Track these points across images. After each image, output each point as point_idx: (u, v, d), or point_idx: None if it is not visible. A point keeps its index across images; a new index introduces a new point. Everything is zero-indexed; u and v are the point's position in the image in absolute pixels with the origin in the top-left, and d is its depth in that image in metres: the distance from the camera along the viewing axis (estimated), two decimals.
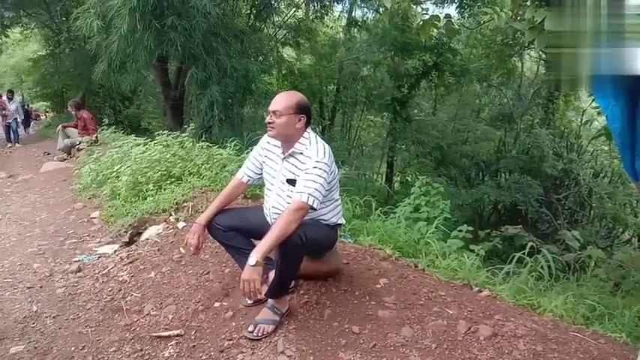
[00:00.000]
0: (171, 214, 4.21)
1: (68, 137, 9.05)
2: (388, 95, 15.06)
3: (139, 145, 5.94)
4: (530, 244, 3.75)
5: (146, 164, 5.08)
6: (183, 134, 5.77)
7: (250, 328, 2.36)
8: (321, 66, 16.23)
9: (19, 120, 14.57)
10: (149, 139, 5.95)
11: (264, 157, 2.64)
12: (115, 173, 5.51)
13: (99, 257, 3.88)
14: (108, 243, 4.19)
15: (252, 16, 12.54)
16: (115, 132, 11.09)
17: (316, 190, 2.28)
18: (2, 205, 6.09)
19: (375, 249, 3.57)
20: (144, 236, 4.06)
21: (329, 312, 2.49)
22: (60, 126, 9.43)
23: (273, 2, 12.76)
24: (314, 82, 16.28)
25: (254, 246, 2.39)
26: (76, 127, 9.15)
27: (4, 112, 14.05)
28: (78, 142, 8.50)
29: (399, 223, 4.59)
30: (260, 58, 12.18)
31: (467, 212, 12.23)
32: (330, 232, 2.58)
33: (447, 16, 4.43)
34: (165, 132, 5.97)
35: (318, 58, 16.47)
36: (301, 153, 2.42)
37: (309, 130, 2.49)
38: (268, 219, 2.59)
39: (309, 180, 2.29)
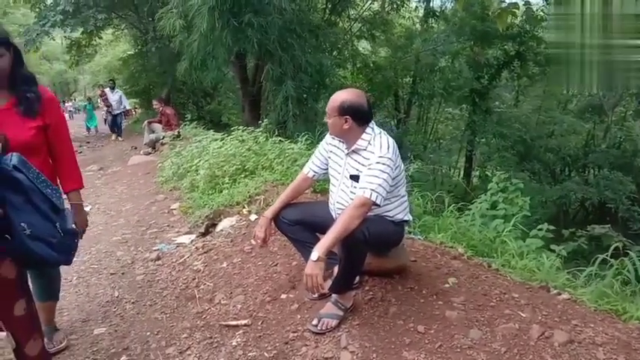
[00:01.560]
0: (244, 207, 4.34)
1: (153, 132, 9.58)
2: (467, 87, 14.58)
3: (216, 140, 6.17)
4: (616, 244, 3.48)
5: (222, 158, 5.27)
6: (257, 130, 5.91)
7: (314, 322, 2.38)
8: (397, 58, 15.96)
9: (127, 108, 14.56)
10: (226, 134, 6.17)
11: (329, 152, 2.64)
12: (194, 167, 5.76)
13: (177, 246, 4.08)
14: (185, 233, 4.39)
15: (327, 10, 12.58)
16: (196, 127, 11.54)
17: (379, 185, 2.25)
18: (92, 195, 6.56)
19: (446, 247, 3.47)
20: (218, 227, 4.22)
21: (394, 310, 2.46)
22: (145, 122, 10.00)
23: None
24: (389, 74, 16.06)
25: (319, 240, 2.41)
26: (160, 122, 9.67)
27: (106, 102, 14.05)
28: (162, 137, 8.96)
29: (473, 220, 4.44)
30: (335, 52, 12.21)
31: (551, 210, 11.63)
32: (395, 229, 2.54)
33: (527, 3, 4.20)
34: (241, 127, 6.13)
35: (394, 50, 16.21)
36: (364, 149, 2.40)
37: (372, 125, 2.45)
38: (333, 214, 2.59)
39: (372, 175, 2.27)
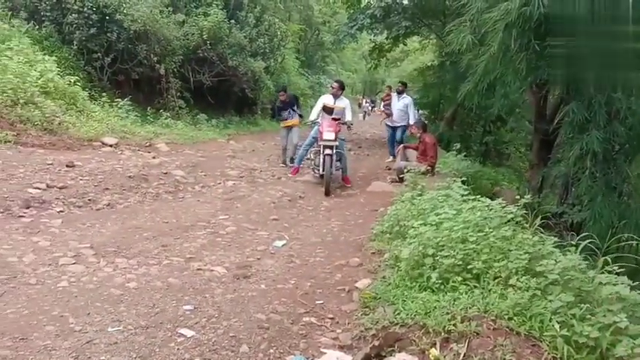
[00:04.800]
0: (433, 345, 2.63)
1: (407, 159, 8.28)
2: None
3: (456, 200, 4.49)
4: None
5: (442, 238, 3.58)
6: (512, 207, 3.86)
7: None
8: None
9: (412, 119, 10.15)
10: (470, 197, 4.38)
11: None
12: (412, 231, 4.15)
13: None
14: (342, 347, 2.94)
15: None
16: (463, 159, 9.90)
17: None
18: (304, 224, 5.62)
19: None
20: None
21: None
22: (401, 146, 8.75)
23: None
24: None
25: None
26: (416, 149, 8.31)
27: (387, 110, 11.28)
28: (406, 169, 7.43)
29: None
30: None
31: None
32: None
33: None
34: (486, 199, 4.21)
35: None
36: None
37: None
38: None
39: None
